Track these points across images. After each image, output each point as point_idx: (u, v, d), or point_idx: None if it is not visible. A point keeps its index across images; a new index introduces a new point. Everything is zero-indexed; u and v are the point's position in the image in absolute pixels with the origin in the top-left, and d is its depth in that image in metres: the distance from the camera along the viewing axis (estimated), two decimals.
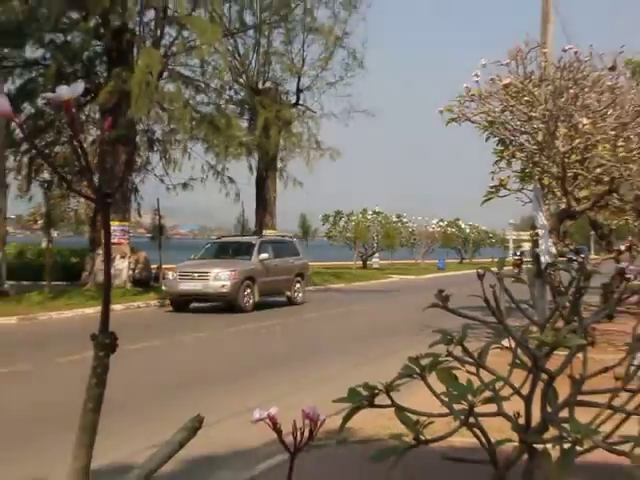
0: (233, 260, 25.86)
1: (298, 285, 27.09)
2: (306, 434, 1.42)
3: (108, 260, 0.86)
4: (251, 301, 24.16)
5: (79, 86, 0.82)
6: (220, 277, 23.69)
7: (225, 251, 27.26)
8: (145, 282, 28.50)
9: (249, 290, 24.19)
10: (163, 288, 25.17)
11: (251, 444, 7.40)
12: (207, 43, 27.56)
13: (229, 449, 7.57)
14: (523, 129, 13.53)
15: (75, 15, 26.46)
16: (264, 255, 25.62)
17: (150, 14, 28.27)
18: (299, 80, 35.97)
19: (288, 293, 26.91)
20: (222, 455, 7.46)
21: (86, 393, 0.82)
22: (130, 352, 12.97)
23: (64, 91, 0.77)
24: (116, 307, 21.19)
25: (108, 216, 0.95)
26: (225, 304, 23.80)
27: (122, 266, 27.43)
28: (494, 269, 5.72)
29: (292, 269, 27.16)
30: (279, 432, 1.34)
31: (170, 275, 24.94)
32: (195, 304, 24.22)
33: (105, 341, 0.82)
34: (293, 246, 29.22)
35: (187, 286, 23.85)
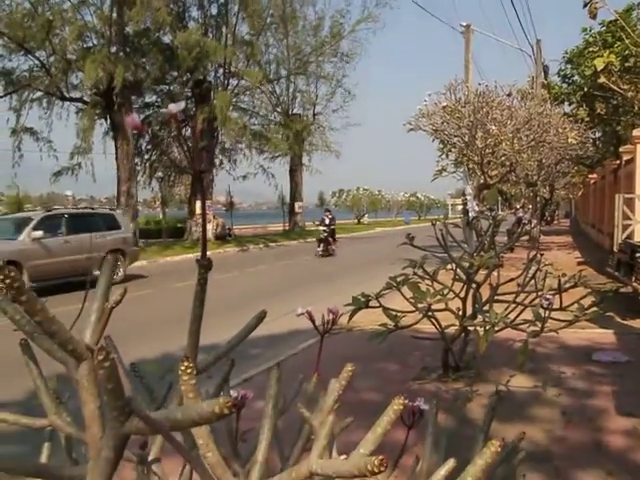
0: None
1: (119, 263, 14.54)
2: (330, 323, 1.42)
3: (204, 215, 0.85)
4: None
5: (181, 104, 0.82)
6: None
7: None
8: (222, 237, 28.65)
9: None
10: None
11: (298, 330, 7.49)
12: (256, 87, 28.32)
13: (283, 334, 7.65)
14: (455, 134, 13.57)
15: (174, 73, 26.60)
16: (37, 233, 13.07)
17: (220, 70, 28.34)
18: (314, 108, 36.38)
19: (97, 272, 11.24)
20: (279, 337, 7.55)
21: (194, 298, 0.82)
22: (219, 279, 13.14)
23: (172, 107, 0.77)
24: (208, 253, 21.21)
25: (203, 185, 0.95)
26: None
27: (208, 227, 27.83)
28: (442, 221, 5.69)
29: (103, 246, 14.32)
30: (313, 321, 1.33)
31: None
32: None
33: (204, 262, 0.83)
34: (112, 219, 15.64)
35: None
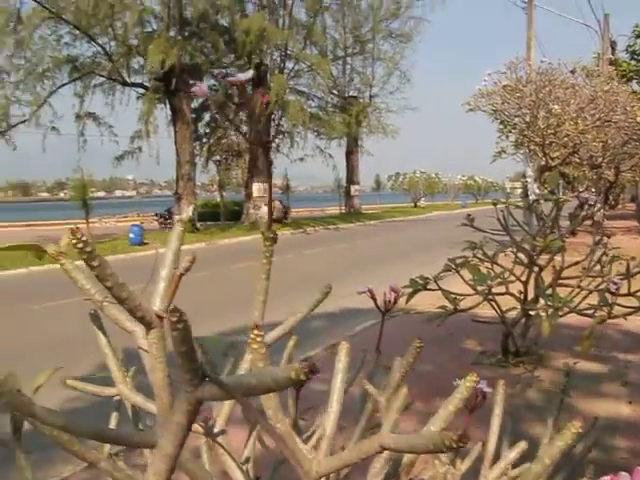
0: None
1: None
2: (392, 302, 1.39)
3: (270, 189, 0.83)
4: None
5: (250, 72, 0.81)
6: None
7: None
8: (279, 220, 28.84)
9: None
10: None
11: (355, 311, 7.48)
12: (314, 70, 28.16)
13: (339, 316, 7.67)
14: (516, 114, 13.24)
15: (231, 56, 26.71)
16: None
17: (276, 53, 28.37)
18: (371, 89, 35.96)
19: None
20: (336, 318, 7.56)
21: (260, 270, 0.80)
22: (285, 259, 13.18)
23: (241, 75, 0.75)
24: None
25: (269, 154, 0.92)
26: None
27: (265, 210, 28.05)
28: (503, 203, 5.56)
29: None
30: (375, 299, 1.31)
31: None
32: None
33: (270, 235, 0.81)
34: None
35: None
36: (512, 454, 0.99)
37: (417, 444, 0.53)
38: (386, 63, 35.40)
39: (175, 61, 22.51)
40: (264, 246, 0.82)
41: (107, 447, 0.97)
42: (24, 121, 24.03)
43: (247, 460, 0.95)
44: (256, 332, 0.54)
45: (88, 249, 0.53)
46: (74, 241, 0.52)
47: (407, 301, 4.93)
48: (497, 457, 1.04)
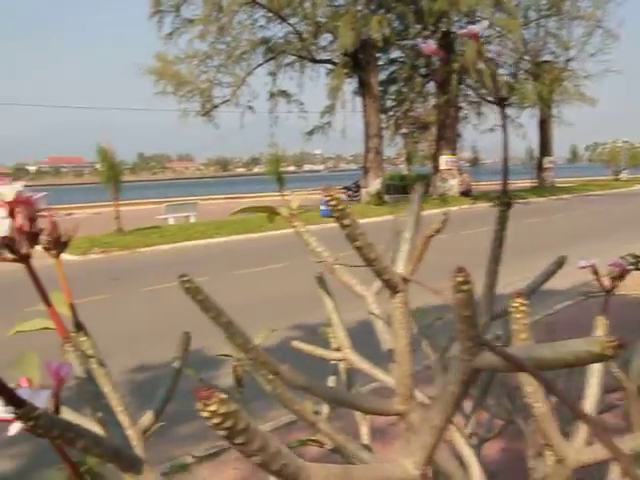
0: None
1: None
2: (617, 279, 1.25)
3: (506, 146, 0.76)
4: None
5: (484, 23, 0.75)
6: None
7: None
8: (467, 193, 28.12)
9: None
10: None
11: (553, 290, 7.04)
12: (505, 34, 26.85)
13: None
14: None
15: (417, 26, 26.28)
16: None
17: (464, 19, 27.33)
18: (567, 53, 33.21)
19: None
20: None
21: (493, 237, 0.75)
22: (472, 233, 12.87)
23: (474, 27, 0.68)
24: (452, 209, 21.05)
25: (504, 112, 0.84)
26: None
27: (453, 183, 27.53)
28: None
29: None
30: (598, 275, 1.18)
31: None
32: None
33: (505, 200, 0.75)
34: None
35: None
36: None
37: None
38: (585, 21, 32.36)
39: (364, 36, 22.72)
40: (498, 212, 0.76)
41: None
42: (225, 101, 25.96)
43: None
44: (519, 301, 0.48)
45: (341, 207, 0.51)
46: (327, 198, 0.51)
47: (612, 282, 4.54)
48: None
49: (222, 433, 0.31)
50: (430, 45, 0.90)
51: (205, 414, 0.30)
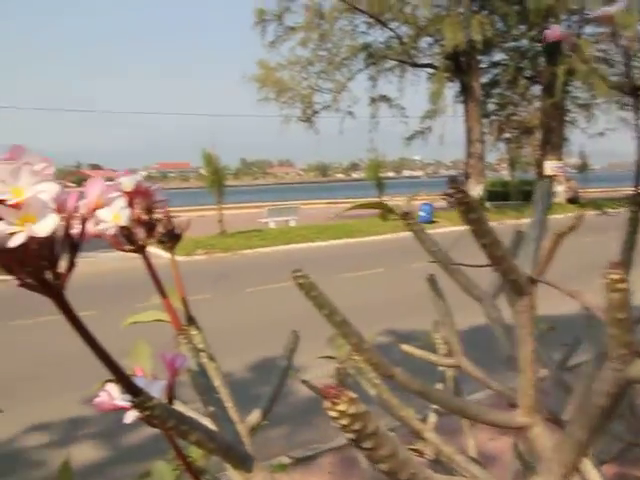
0: None
1: None
2: None
3: None
4: None
5: (620, 3, 0.68)
6: None
7: None
8: (574, 200, 26.92)
9: None
10: None
11: None
12: (617, 31, 25.50)
13: None
14: None
15: (521, 27, 25.48)
16: None
17: (572, 18, 26.21)
18: None
19: None
20: None
21: (624, 240, 0.68)
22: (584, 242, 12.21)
23: (609, 8, 0.62)
24: (558, 217, 20.09)
25: (638, 106, 0.76)
26: None
27: (560, 190, 26.56)
28: None
29: None
30: None
31: None
32: None
33: (638, 199, 0.69)
34: None
35: None
36: None
37: None
38: None
39: (466, 38, 22.29)
40: (630, 212, 0.70)
41: None
42: (326, 107, 26.26)
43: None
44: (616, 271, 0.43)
45: (467, 200, 0.48)
46: (453, 190, 0.47)
47: None
48: None
49: (350, 436, 0.28)
50: (555, 31, 0.85)
51: (332, 414, 0.27)
